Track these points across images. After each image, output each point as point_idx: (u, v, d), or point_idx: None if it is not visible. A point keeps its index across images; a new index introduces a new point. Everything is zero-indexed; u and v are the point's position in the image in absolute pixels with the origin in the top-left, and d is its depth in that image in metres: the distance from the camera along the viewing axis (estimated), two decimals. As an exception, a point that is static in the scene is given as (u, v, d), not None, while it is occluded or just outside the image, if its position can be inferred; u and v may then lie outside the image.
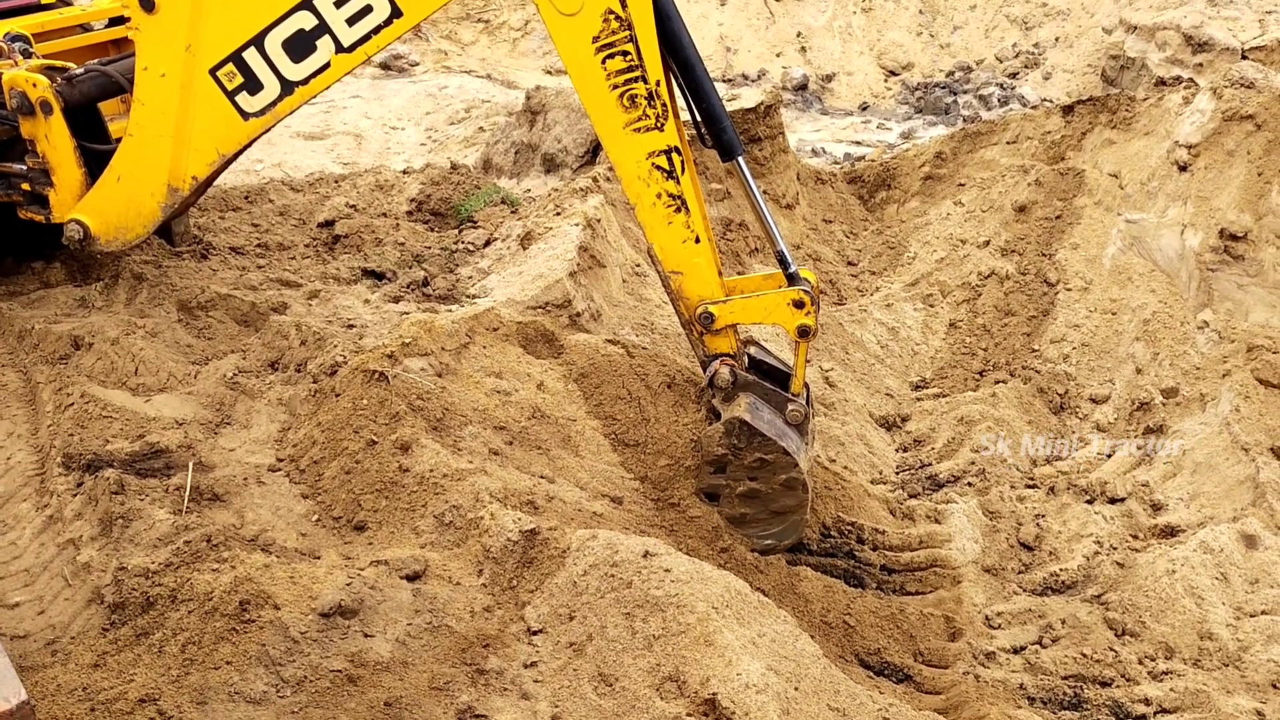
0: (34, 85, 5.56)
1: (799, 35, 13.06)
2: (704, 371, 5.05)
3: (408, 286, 6.72)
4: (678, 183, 4.77)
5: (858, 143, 11.44)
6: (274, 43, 5.07)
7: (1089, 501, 5.89)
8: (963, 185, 8.73)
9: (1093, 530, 5.57)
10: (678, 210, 4.80)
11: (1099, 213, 7.70)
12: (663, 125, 4.70)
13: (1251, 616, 4.97)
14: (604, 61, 4.64)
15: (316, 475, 4.85)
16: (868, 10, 12.96)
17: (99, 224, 5.69)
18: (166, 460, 4.78)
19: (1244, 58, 9.47)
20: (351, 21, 4.98)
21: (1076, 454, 6.40)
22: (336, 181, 8.64)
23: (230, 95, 5.20)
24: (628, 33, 4.58)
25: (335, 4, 4.94)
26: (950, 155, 8.98)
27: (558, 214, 7.37)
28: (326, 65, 5.08)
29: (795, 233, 9.09)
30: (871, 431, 6.95)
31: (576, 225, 6.99)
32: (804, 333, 4.88)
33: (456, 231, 7.85)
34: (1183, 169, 7.24)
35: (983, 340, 7.71)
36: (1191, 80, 8.52)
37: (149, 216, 5.61)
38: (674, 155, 4.74)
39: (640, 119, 4.70)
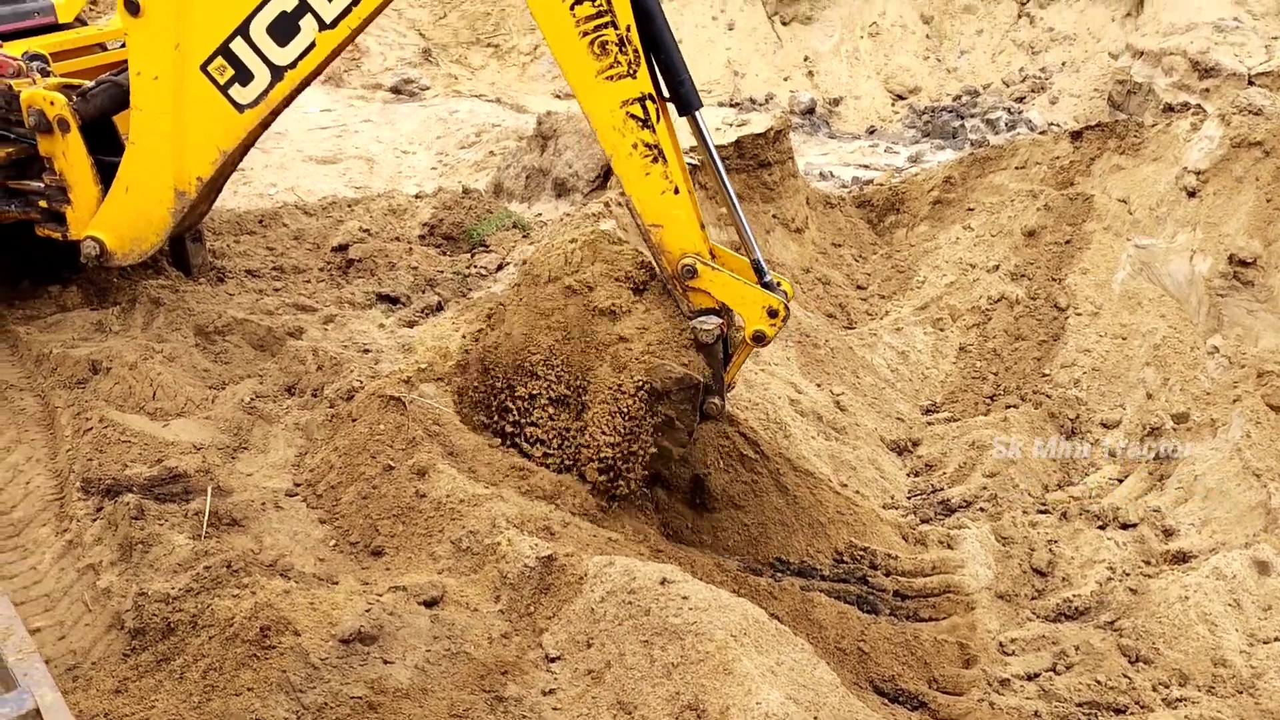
0: (51, 103, 5.62)
1: (806, 59, 13.14)
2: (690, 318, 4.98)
3: (422, 311, 6.77)
4: (653, 131, 4.67)
5: (866, 166, 11.50)
6: (259, 29, 5.12)
7: (1101, 527, 5.90)
8: (972, 210, 8.78)
9: (1105, 556, 5.58)
10: (655, 160, 4.70)
11: (1108, 238, 7.74)
12: (635, 72, 4.61)
13: (1265, 644, 4.97)
14: (573, 8, 4.57)
15: (334, 500, 4.88)
16: (874, 35, 13.04)
17: (114, 238, 5.74)
18: (185, 485, 4.81)
19: (1251, 84, 9.52)
20: None
21: (1088, 479, 6.42)
22: (349, 205, 8.70)
23: (223, 89, 5.24)
24: None
25: None
26: (959, 180, 9.03)
27: (570, 239, 7.41)
28: (312, 45, 5.10)
29: (805, 256, 9.14)
30: (883, 456, 6.97)
31: (589, 250, 7.02)
32: (760, 339, 4.85)
33: (469, 255, 7.90)
34: (1191, 195, 7.28)
35: (993, 364, 7.74)
36: (1199, 106, 8.57)
37: (160, 224, 5.65)
38: (648, 103, 4.64)
39: (612, 66, 4.60)
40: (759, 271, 4.88)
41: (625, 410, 4.83)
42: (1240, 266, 6.90)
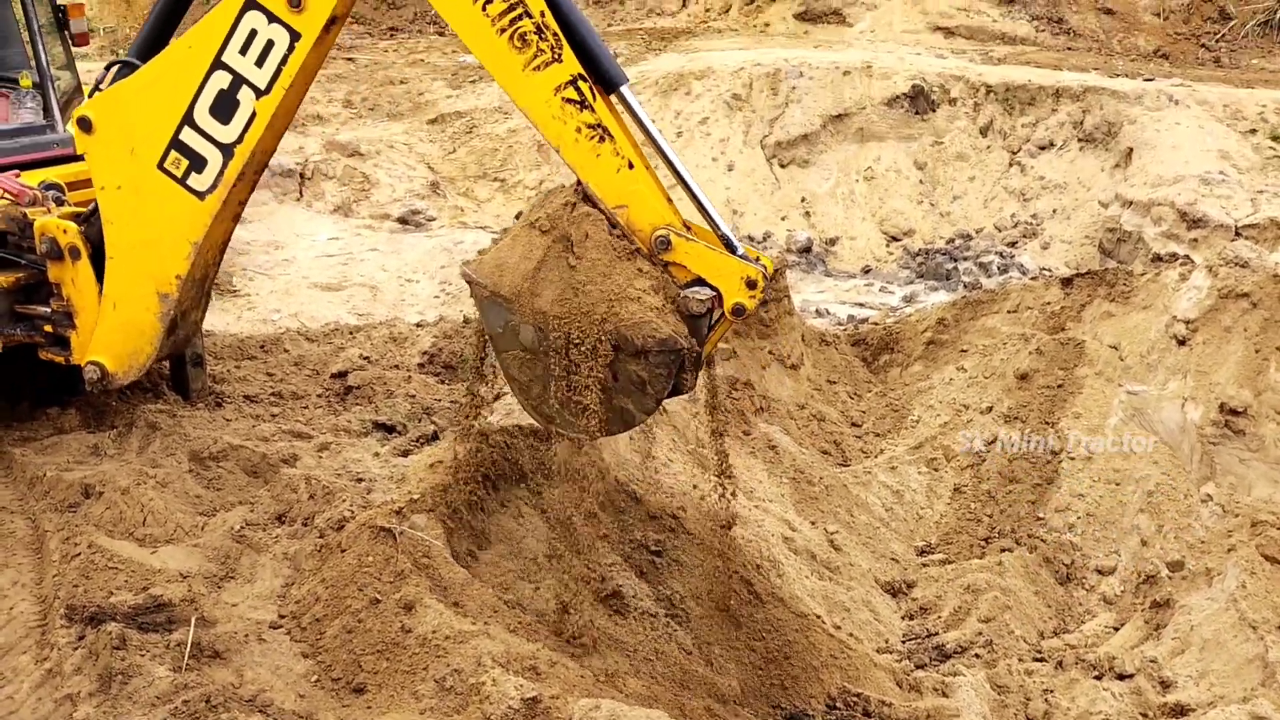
0: (64, 231, 5.75)
1: (803, 200, 13.48)
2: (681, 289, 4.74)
3: (417, 440, 6.79)
4: (593, 111, 4.58)
5: (861, 304, 11.67)
6: (203, 113, 5.25)
7: (1097, 677, 5.81)
8: (965, 351, 8.88)
9: (1102, 708, 5.49)
10: (601, 140, 4.59)
11: (1100, 383, 7.81)
12: (560, 55, 4.54)
13: (1267, 804, 4.85)
14: (484, 7, 4.56)
15: (318, 633, 4.82)
16: (869, 179, 13.41)
17: (112, 359, 5.79)
18: (169, 614, 4.76)
19: (1238, 235, 9.76)
20: (260, 62, 5.10)
21: (1084, 627, 6.35)
22: (351, 333, 8.81)
23: (182, 181, 5.36)
24: None
25: (241, 52, 5.10)
26: (952, 322, 9.16)
27: (567, 371, 7.48)
28: (253, 115, 5.20)
29: (800, 392, 9.20)
30: (877, 597, 6.90)
31: (585, 384, 7.08)
32: (739, 312, 4.67)
33: (467, 385, 7.96)
34: (1181, 343, 7.39)
35: (988, 507, 7.72)
36: (1187, 257, 8.77)
37: (151, 331, 5.71)
38: (580, 83, 4.56)
39: (535, 55, 4.55)
40: (730, 247, 4.75)
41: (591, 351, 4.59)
42: (1231, 415, 6.96)
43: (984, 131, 13.37)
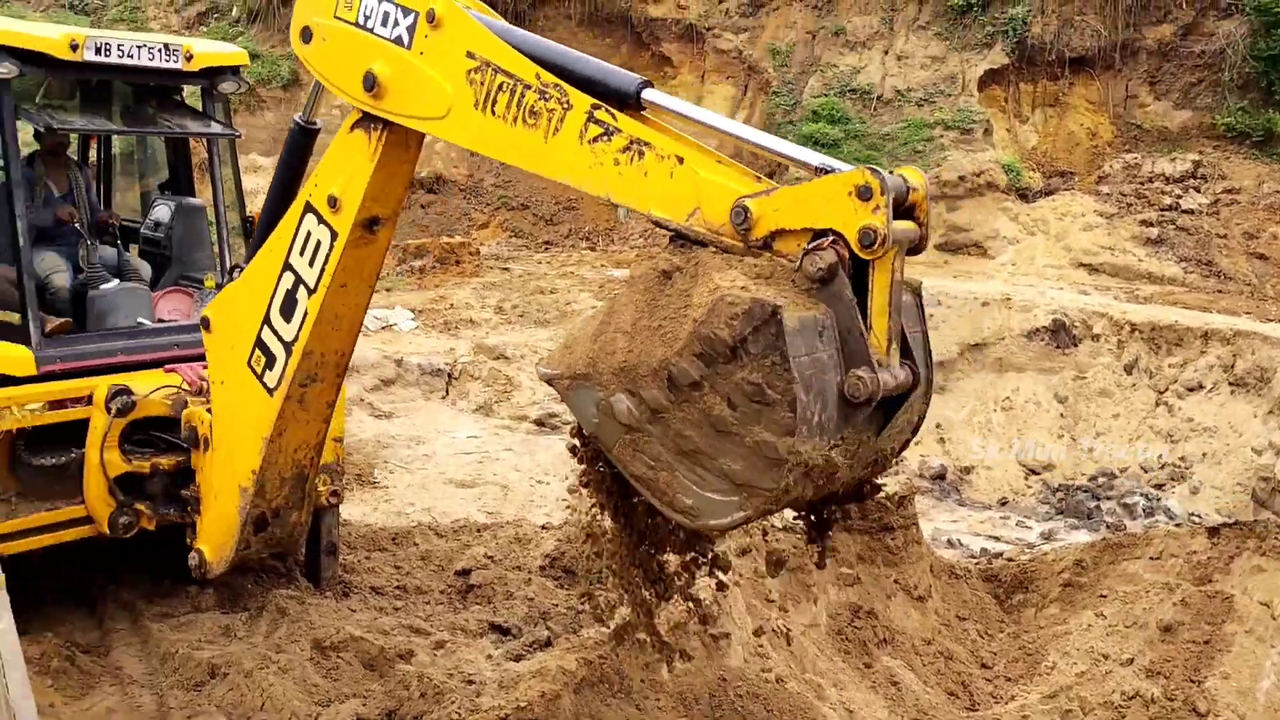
0: (202, 421, 6.04)
1: (938, 426, 13.38)
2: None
3: (530, 645, 6.79)
4: (620, 132, 4.00)
5: (996, 538, 11.33)
6: (275, 313, 5.43)
7: None
8: (1104, 597, 8.48)
9: None
10: (640, 155, 3.95)
11: (1250, 642, 7.33)
12: (568, 102, 4.12)
13: None
14: (492, 111, 4.30)
15: (413, 839, 4.76)
16: (1008, 409, 13.27)
17: (210, 548, 5.95)
18: (271, 805, 4.80)
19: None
20: (312, 262, 5.24)
21: None
22: (479, 530, 8.99)
23: (259, 377, 5.53)
24: (490, 69, 4.31)
25: (300, 253, 5.26)
26: (1091, 564, 8.80)
27: (686, 587, 7.44)
28: (305, 313, 5.31)
29: (927, 627, 8.87)
30: None
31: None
32: (868, 239, 3.35)
33: (583, 592, 7.98)
34: (1341, 607, 6.91)
35: (1126, 769, 7.19)
36: (1345, 514, 8.29)
37: (233, 525, 5.76)
38: (597, 113, 4.06)
39: (549, 119, 4.16)
40: (825, 170, 3.69)
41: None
42: (1401, 690, 6.40)
43: (1129, 369, 13.16)
